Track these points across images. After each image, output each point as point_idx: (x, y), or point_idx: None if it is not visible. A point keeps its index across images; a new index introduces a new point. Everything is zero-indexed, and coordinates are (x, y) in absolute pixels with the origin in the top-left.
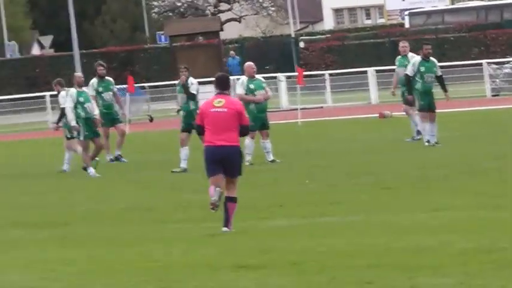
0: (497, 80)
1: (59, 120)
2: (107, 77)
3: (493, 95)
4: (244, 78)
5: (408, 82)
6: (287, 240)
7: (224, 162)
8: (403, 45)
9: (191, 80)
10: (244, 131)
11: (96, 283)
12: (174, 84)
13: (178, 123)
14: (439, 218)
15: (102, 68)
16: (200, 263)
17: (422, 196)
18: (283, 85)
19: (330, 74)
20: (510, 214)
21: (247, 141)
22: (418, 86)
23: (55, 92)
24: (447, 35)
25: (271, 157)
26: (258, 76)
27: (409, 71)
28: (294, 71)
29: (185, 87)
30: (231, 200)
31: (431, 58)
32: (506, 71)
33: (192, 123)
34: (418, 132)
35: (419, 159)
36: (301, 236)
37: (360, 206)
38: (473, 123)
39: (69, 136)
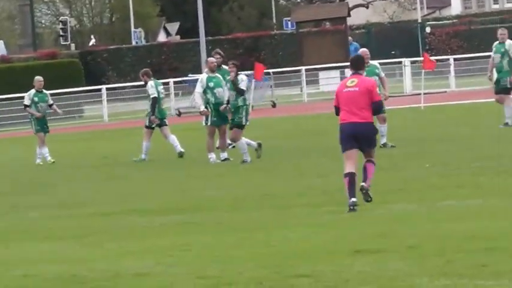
0: None
1: (153, 110)
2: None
3: None
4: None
5: None
6: (405, 224)
7: (359, 138)
8: (502, 32)
9: (241, 76)
10: (376, 107)
11: (213, 268)
12: (300, 70)
13: (301, 109)
14: None
15: (219, 56)
16: (317, 248)
17: None
18: (407, 70)
19: (455, 59)
20: None
21: None
22: None
23: (179, 79)
24: None
25: (383, 140)
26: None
27: None
28: (419, 56)
29: (234, 84)
30: (370, 161)
31: None
32: None
33: (238, 119)
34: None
35: None
36: (420, 220)
37: (480, 189)
38: None
39: (147, 125)
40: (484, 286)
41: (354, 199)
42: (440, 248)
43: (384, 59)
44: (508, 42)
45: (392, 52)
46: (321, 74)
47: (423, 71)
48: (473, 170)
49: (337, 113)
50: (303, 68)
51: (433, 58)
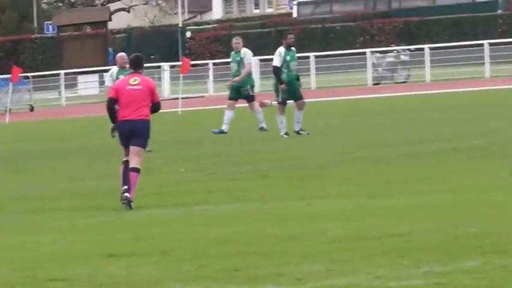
0: (380, 69)
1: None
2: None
3: (374, 84)
4: (114, 69)
5: (277, 73)
6: (160, 228)
7: (133, 134)
8: (236, 41)
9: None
10: (155, 108)
11: None
12: (59, 74)
13: (58, 113)
14: (313, 206)
15: None
16: (71, 252)
17: (298, 184)
18: (166, 74)
19: (214, 64)
20: (382, 202)
21: None
22: (284, 76)
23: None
24: (334, 24)
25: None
26: None
27: (277, 62)
28: (179, 61)
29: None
30: (134, 170)
31: (293, 47)
32: (389, 59)
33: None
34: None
35: (296, 148)
36: (175, 224)
37: (236, 194)
38: (353, 112)
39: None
40: None
41: (125, 187)
42: (193, 252)
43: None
44: (243, 50)
45: (152, 56)
46: (80, 78)
47: (181, 75)
48: (228, 175)
49: (111, 106)
50: (62, 71)
51: (192, 62)
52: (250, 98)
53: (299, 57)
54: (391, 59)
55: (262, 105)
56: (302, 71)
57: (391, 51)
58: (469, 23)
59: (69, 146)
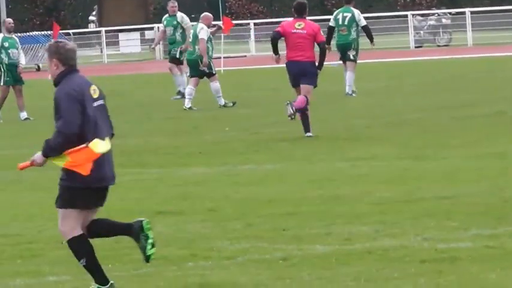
0: (421, 32)
1: None
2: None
3: (416, 47)
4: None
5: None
6: (206, 187)
7: (301, 74)
8: (173, 5)
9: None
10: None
11: (13, 227)
12: (100, 31)
13: (100, 71)
14: (359, 167)
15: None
16: (118, 209)
17: (345, 146)
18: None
19: (255, 24)
20: (429, 165)
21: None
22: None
23: None
24: None
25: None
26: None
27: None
28: (219, 20)
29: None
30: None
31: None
32: (431, 23)
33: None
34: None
35: (344, 109)
36: (220, 183)
37: (281, 154)
38: (397, 75)
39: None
40: (283, 250)
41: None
42: (240, 211)
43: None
44: (179, 14)
45: (192, 15)
46: (121, 36)
47: (223, 35)
48: (273, 135)
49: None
50: (103, 29)
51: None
52: (176, 61)
53: None
54: (433, 22)
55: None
56: None
57: (433, 14)
58: None
59: (112, 104)
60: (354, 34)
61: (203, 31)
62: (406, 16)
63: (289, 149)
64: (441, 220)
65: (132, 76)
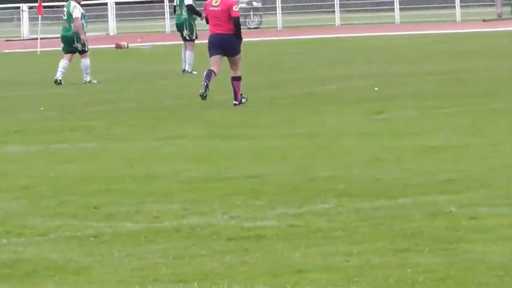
0: None
1: None
2: None
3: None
4: None
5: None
6: (21, 165)
7: (222, 46)
8: None
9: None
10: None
11: None
12: None
13: None
14: (169, 146)
15: None
16: None
17: (157, 125)
18: (25, 15)
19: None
20: (237, 144)
21: None
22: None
23: None
24: None
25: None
26: None
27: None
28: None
29: None
30: (235, 79)
31: None
32: (242, 5)
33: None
34: None
35: (158, 89)
36: (35, 161)
37: (96, 133)
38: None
39: None
40: (94, 227)
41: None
42: (54, 189)
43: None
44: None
45: None
46: None
47: (40, 16)
48: (88, 115)
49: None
50: None
51: (50, 4)
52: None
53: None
54: (244, 5)
55: (118, 47)
56: None
57: None
58: None
59: None
60: (184, 14)
61: (76, 9)
62: None
63: (104, 128)
64: (248, 199)
65: None
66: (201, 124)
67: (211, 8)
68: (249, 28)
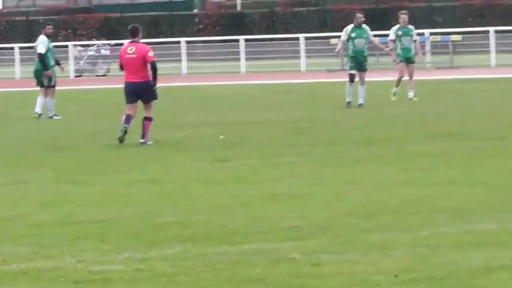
0: (81, 62)
1: None
2: None
3: (76, 76)
4: None
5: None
6: None
7: (138, 93)
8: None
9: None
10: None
11: None
12: None
13: None
14: (17, 191)
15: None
16: None
17: (3, 170)
18: None
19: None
20: (85, 189)
21: None
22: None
23: None
24: (37, 17)
25: None
26: None
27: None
28: None
29: None
30: (148, 119)
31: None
32: (91, 53)
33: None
34: None
35: (4, 135)
36: None
37: None
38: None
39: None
40: None
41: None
42: None
43: None
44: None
45: None
46: None
47: None
48: None
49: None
50: None
51: None
52: None
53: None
54: (92, 53)
55: None
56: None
57: (93, 45)
58: (166, 21)
59: None
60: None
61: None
62: (67, 46)
63: None
64: (96, 243)
65: None
66: (49, 169)
67: (127, 56)
68: (97, 75)
